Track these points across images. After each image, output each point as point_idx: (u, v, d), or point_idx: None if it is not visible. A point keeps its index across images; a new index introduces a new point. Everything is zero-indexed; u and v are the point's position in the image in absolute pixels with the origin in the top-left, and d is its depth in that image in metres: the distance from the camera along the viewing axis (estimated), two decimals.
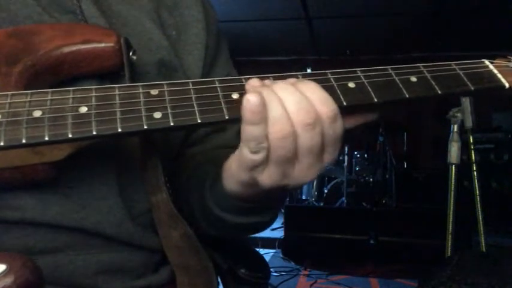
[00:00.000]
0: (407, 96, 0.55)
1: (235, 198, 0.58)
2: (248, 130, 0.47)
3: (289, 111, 0.48)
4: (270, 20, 5.44)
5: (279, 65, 6.61)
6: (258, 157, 0.48)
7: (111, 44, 0.56)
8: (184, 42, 0.74)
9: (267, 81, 0.51)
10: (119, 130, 0.46)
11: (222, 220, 0.65)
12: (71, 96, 0.48)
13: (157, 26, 0.70)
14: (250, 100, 0.46)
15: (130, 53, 0.58)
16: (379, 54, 6.40)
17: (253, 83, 0.51)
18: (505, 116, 5.39)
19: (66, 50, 0.54)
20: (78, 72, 0.56)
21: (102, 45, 0.55)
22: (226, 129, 0.75)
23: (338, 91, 0.53)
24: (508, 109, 5.35)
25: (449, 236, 2.44)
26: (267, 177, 0.50)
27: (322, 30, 5.80)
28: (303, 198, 5.54)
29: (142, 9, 0.70)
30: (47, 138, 0.45)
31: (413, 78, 0.56)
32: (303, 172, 0.50)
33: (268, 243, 4.15)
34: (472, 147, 2.60)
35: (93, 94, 0.48)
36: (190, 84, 0.51)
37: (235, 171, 0.53)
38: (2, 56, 0.52)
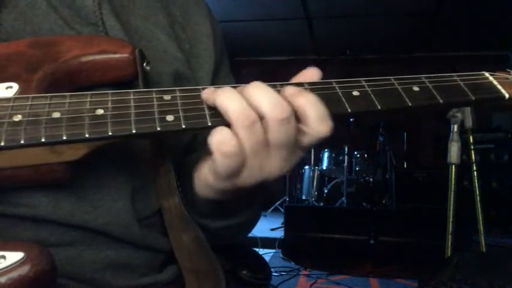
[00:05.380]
0: (410, 104, 0.57)
1: (209, 201, 0.60)
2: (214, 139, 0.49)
3: (259, 104, 0.49)
4: (270, 20, 5.45)
5: (279, 65, 6.62)
6: (232, 162, 0.49)
7: (126, 55, 0.58)
8: (196, 56, 0.78)
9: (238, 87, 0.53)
10: (133, 131, 0.49)
11: (203, 227, 0.66)
12: (88, 99, 0.51)
13: (171, 39, 0.74)
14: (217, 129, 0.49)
15: (144, 64, 0.60)
16: (379, 54, 6.40)
17: (206, 91, 0.52)
18: (505, 116, 5.39)
19: (84, 59, 0.57)
20: (95, 80, 0.59)
21: (118, 55, 0.58)
22: None
23: (343, 98, 0.55)
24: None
25: (449, 236, 2.44)
26: (246, 176, 0.51)
27: (322, 30, 5.80)
28: (303, 198, 5.54)
29: (157, 24, 0.74)
30: (65, 138, 0.47)
31: (416, 88, 0.58)
32: (280, 164, 0.52)
33: (268, 243, 4.14)
34: (472, 147, 2.60)
35: (110, 98, 0.51)
36: (202, 90, 0.53)
37: (212, 181, 0.55)
38: (24, 64, 0.55)
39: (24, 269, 0.45)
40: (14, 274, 0.44)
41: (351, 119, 5.36)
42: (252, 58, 6.70)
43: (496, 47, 5.64)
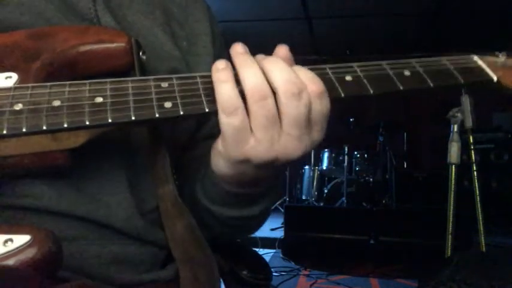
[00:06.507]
0: (401, 88, 0.58)
1: (224, 181, 0.60)
2: (218, 90, 0.50)
3: (272, 79, 0.50)
4: (270, 20, 5.45)
5: None
6: (236, 120, 0.50)
7: (122, 44, 0.59)
8: (194, 54, 0.78)
9: (258, 56, 0.55)
10: (133, 118, 0.50)
11: (213, 215, 0.67)
12: (87, 88, 0.51)
13: (168, 37, 0.74)
14: (216, 62, 0.52)
15: (140, 53, 0.61)
16: (379, 54, 6.40)
17: (238, 48, 0.54)
18: (505, 116, 5.39)
19: (81, 49, 0.58)
20: (92, 70, 0.59)
21: (114, 45, 0.59)
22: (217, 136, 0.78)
23: (336, 83, 0.56)
24: (507, 109, 5.35)
25: (449, 236, 2.44)
26: (254, 147, 0.51)
27: (322, 30, 5.80)
28: (303, 198, 5.54)
29: (155, 21, 0.74)
30: (65, 125, 0.48)
31: (407, 72, 0.59)
32: (292, 144, 0.51)
33: (268, 243, 4.14)
34: (472, 147, 2.60)
35: (108, 86, 0.52)
36: (198, 78, 0.54)
37: (222, 148, 0.55)
38: (22, 54, 0.56)
39: (32, 251, 0.46)
40: (22, 256, 0.45)
41: (351, 119, 5.36)
42: None
43: (496, 47, 5.63)
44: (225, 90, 0.50)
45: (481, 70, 0.63)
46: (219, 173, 0.59)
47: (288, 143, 0.51)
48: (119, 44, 0.59)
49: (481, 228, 2.45)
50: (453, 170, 2.47)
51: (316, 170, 5.45)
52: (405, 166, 5.84)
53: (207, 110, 0.52)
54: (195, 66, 0.77)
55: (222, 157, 0.56)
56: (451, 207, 2.46)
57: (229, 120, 0.50)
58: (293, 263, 3.66)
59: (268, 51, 0.57)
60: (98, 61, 0.59)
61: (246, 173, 0.56)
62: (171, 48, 0.73)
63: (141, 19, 0.72)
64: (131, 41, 0.60)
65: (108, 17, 0.67)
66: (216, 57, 0.79)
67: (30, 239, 0.46)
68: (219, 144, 0.55)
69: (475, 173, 2.58)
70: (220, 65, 0.52)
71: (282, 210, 4.41)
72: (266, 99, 0.50)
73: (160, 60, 0.70)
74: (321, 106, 0.52)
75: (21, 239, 0.46)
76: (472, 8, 4.87)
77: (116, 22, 0.67)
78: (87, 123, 0.49)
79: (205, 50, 0.79)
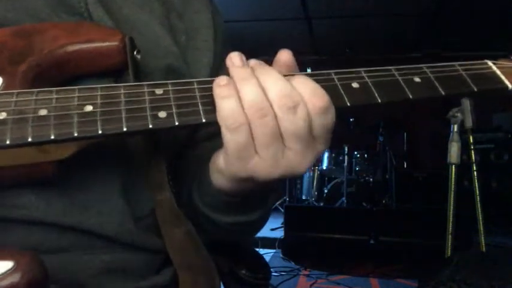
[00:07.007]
0: (411, 97, 0.54)
1: (223, 193, 0.58)
2: (220, 105, 0.48)
3: (267, 93, 0.48)
4: (270, 20, 5.45)
5: None
6: (240, 136, 0.48)
7: (115, 43, 0.55)
8: (193, 48, 0.73)
9: (252, 63, 0.52)
10: (124, 129, 0.46)
11: (211, 221, 0.65)
12: (76, 95, 0.48)
13: (166, 31, 0.70)
14: (217, 79, 0.49)
15: (135, 52, 0.58)
16: (379, 54, 6.40)
17: (234, 60, 0.51)
18: (505, 116, 5.38)
19: (71, 48, 0.54)
20: (83, 71, 0.56)
21: (106, 44, 0.55)
22: (217, 137, 0.77)
23: (342, 91, 0.52)
24: (507, 109, 5.35)
25: (449, 236, 2.44)
26: (259, 164, 0.49)
27: (322, 30, 5.80)
28: (303, 198, 5.54)
29: (152, 13, 0.69)
30: (52, 137, 0.45)
31: (417, 79, 0.56)
32: (296, 159, 0.49)
33: (268, 243, 4.14)
34: (472, 147, 2.60)
35: (98, 93, 0.48)
36: (195, 84, 0.51)
37: (224, 166, 0.53)
38: (7, 55, 0.52)
39: (16, 277, 0.43)
40: (5, 283, 0.43)
41: (351, 119, 5.36)
42: (252, 58, 6.69)
43: (496, 47, 5.64)
44: (227, 105, 0.48)
45: (495, 77, 0.59)
46: (220, 189, 0.57)
47: (291, 158, 0.49)
48: (111, 43, 0.55)
49: (481, 228, 2.45)
50: (453, 170, 2.47)
51: (316, 170, 5.45)
52: (405, 166, 5.84)
53: (204, 121, 0.48)
54: (194, 62, 0.72)
55: (222, 174, 0.54)
56: (451, 207, 2.46)
57: (233, 137, 0.48)
58: (293, 263, 3.66)
59: (268, 52, 0.56)
60: (88, 61, 0.55)
61: (249, 188, 0.55)
62: (169, 44, 0.69)
63: (137, 12, 0.67)
64: (125, 40, 0.56)
65: (101, 11, 0.63)
66: (218, 53, 0.75)
67: (14, 265, 0.44)
68: (220, 162, 0.53)
69: (475, 173, 2.59)
70: (222, 81, 0.49)
71: (282, 210, 4.41)
72: (266, 116, 0.47)
73: (157, 58, 0.66)
74: (324, 121, 0.49)
75: (3, 266, 0.44)
76: (472, 8, 4.87)
77: (108, 16, 0.63)
78: (76, 135, 0.45)
79: (205, 44, 0.74)
